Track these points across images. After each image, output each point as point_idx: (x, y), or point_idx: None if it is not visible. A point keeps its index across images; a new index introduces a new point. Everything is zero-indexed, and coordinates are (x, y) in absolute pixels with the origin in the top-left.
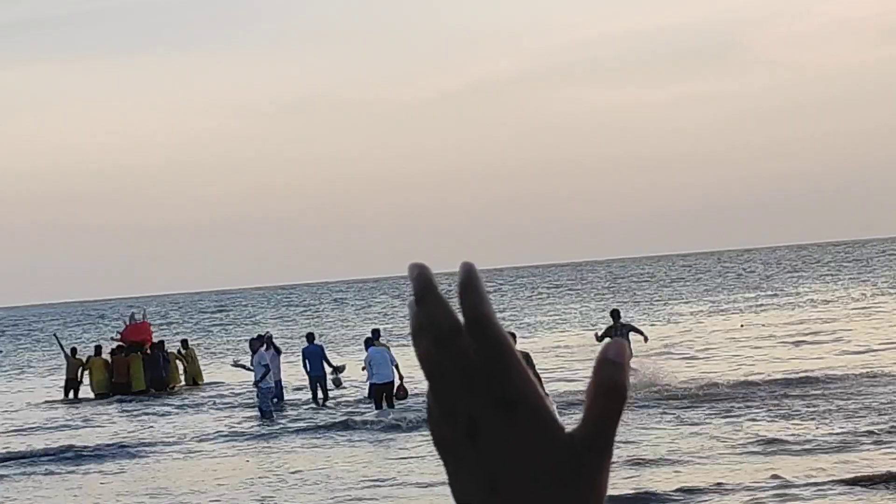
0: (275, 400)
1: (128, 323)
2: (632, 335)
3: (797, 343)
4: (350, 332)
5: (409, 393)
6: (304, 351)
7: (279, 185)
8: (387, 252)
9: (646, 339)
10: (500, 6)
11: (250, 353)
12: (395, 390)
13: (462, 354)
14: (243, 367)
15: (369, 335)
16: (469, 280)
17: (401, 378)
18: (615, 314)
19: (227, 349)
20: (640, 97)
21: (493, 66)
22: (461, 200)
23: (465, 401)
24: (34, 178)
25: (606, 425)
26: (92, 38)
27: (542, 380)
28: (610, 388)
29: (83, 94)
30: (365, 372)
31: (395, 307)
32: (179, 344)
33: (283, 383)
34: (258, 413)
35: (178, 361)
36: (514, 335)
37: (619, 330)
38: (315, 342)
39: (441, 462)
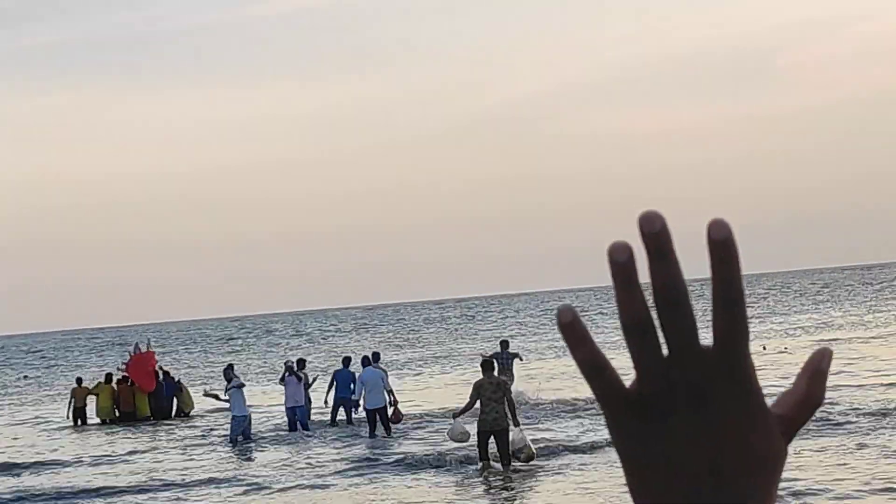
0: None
1: (132, 353)
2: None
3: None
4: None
5: (404, 418)
6: (334, 374)
7: (303, 205)
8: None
9: (521, 360)
10: (517, 29)
11: (225, 381)
12: (389, 414)
13: (693, 318)
14: (214, 396)
15: (368, 355)
16: (730, 252)
17: (395, 402)
18: (504, 344)
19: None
20: (661, 118)
21: (511, 88)
22: (477, 219)
23: (695, 368)
24: (63, 201)
25: (800, 426)
26: (111, 60)
27: (516, 408)
28: (818, 404)
29: (103, 119)
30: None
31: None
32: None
33: (306, 410)
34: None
35: (190, 388)
36: (518, 356)
37: (504, 358)
38: (349, 367)
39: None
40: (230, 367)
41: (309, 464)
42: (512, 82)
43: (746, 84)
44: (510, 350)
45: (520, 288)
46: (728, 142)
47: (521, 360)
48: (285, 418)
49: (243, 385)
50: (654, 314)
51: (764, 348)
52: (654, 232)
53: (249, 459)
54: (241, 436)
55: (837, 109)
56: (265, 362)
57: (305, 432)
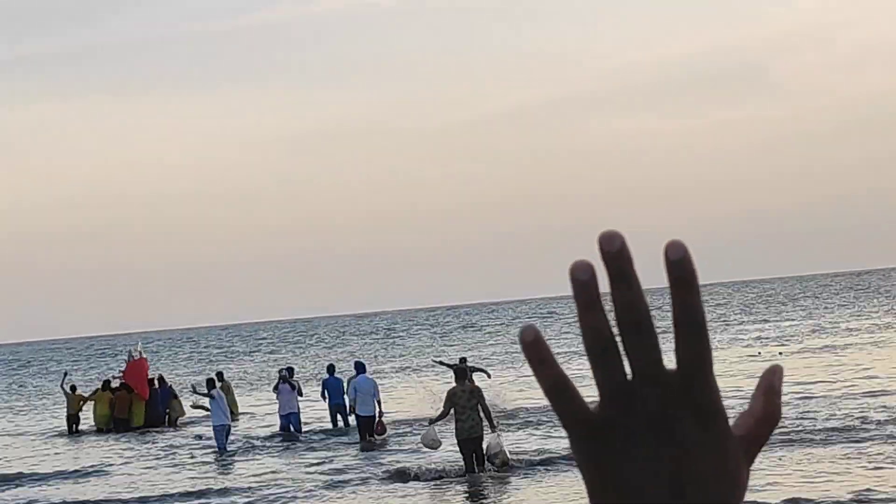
0: (291, 429)
1: (127, 360)
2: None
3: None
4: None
5: (387, 429)
6: (324, 382)
7: (299, 218)
8: (420, 284)
9: (489, 376)
10: (527, 36)
11: (207, 390)
12: (374, 425)
13: (656, 340)
14: (202, 407)
15: (359, 361)
16: (687, 272)
17: (381, 414)
18: (462, 360)
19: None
20: (661, 125)
21: (520, 94)
22: (486, 229)
23: (658, 391)
24: (62, 214)
25: (762, 445)
26: (119, 72)
27: (493, 415)
28: (776, 421)
29: (105, 130)
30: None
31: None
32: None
33: (299, 417)
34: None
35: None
36: (487, 372)
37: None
38: (335, 374)
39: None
40: (219, 375)
41: (290, 478)
42: (505, 92)
43: (740, 94)
44: (469, 365)
45: (519, 295)
46: (722, 150)
47: (488, 376)
48: (280, 425)
49: (215, 396)
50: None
51: (759, 353)
52: (614, 252)
53: (227, 472)
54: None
55: (830, 117)
56: (254, 371)
57: (300, 435)
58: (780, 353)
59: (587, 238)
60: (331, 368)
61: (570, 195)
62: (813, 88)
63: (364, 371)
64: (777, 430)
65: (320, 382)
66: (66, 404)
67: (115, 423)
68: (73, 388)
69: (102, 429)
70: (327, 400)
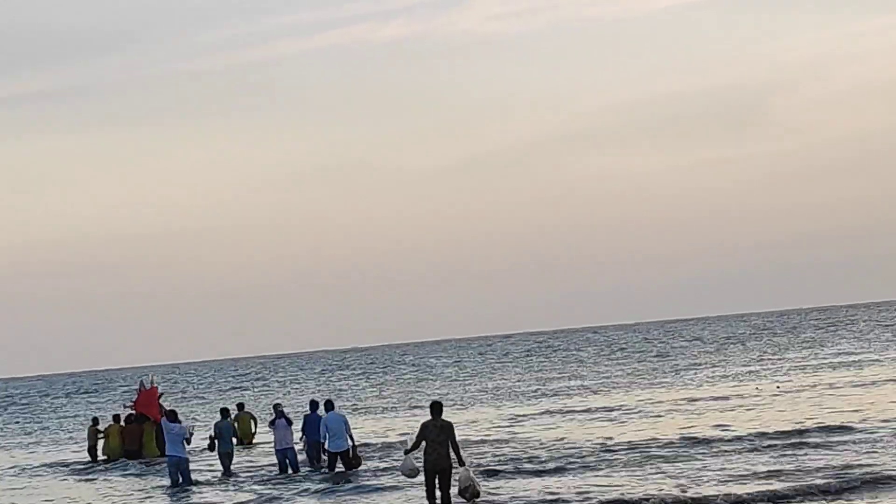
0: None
1: (139, 389)
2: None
3: None
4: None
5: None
6: (305, 418)
7: (304, 251)
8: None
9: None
10: (519, 74)
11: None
12: (348, 459)
13: None
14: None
15: (328, 399)
16: None
17: (354, 447)
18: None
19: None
20: (659, 162)
21: (512, 133)
22: (480, 267)
23: None
24: (62, 249)
25: None
26: (117, 107)
27: (460, 448)
28: None
29: (102, 165)
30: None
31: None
32: (236, 407)
33: (295, 452)
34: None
35: None
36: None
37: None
38: (317, 411)
39: None
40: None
41: None
42: (509, 126)
43: (740, 127)
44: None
45: (511, 328)
46: (722, 184)
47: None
48: (276, 460)
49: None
50: None
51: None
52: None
53: None
54: (181, 478)
55: (831, 150)
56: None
57: (297, 475)
58: (778, 387)
59: (590, 268)
60: (314, 405)
61: (570, 229)
62: (810, 125)
63: (332, 408)
64: None
65: (301, 419)
66: (86, 435)
67: (126, 454)
68: (96, 420)
69: (112, 459)
70: (306, 436)
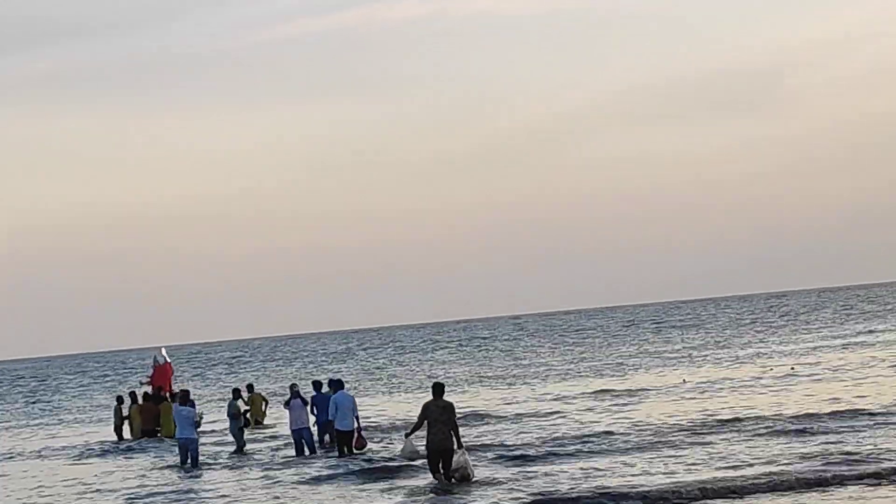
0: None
1: (153, 365)
2: None
3: None
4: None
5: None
6: (313, 399)
7: (308, 239)
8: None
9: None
10: (532, 57)
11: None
12: (353, 440)
13: None
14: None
15: (338, 378)
16: None
17: (360, 429)
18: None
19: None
20: (676, 143)
21: (523, 114)
22: (486, 250)
23: None
24: (75, 234)
25: None
26: (125, 90)
27: (459, 430)
28: None
29: (108, 149)
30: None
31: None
32: (245, 388)
33: (311, 432)
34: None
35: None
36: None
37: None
38: (323, 391)
39: None
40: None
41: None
42: (520, 107)
43: (754, 106)
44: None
45: (532, 308)
46: (738, 162)
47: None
48: (292, 441)
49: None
50: None
51: (771, 369)
52: None
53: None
54: (189, 459)
55: (845, 131)
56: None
57: (313, 455)
58: (793, 368)
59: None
60: (318, 385)
61: (579, 211)
62: (828, 105)
63: (342, 387)
64: None
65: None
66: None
67: (143, 433)
68: (120, 399)
69: (138, 439)
70: (315, 416)
